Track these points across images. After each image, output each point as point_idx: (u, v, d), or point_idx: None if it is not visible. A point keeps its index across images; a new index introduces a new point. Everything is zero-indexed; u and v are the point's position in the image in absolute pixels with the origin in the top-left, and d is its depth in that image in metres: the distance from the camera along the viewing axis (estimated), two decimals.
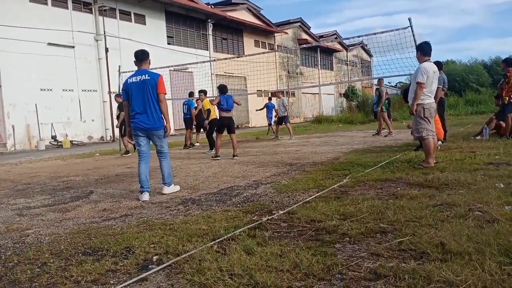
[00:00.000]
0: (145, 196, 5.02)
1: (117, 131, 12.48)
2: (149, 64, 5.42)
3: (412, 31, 8.89)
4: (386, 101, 13.57)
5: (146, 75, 5.10)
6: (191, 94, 14.08)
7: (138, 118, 5.11)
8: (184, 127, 14.60)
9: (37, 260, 2.98)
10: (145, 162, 5.21)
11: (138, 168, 5.20)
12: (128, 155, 11.47)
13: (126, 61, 18.61)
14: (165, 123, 5.22)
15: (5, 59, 16.38)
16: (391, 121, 14.03)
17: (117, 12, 21.12)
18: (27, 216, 4.52)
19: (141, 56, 5.25)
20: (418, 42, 7.61)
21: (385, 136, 12.67)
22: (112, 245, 3.18)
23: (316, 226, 3.37)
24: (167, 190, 5.33)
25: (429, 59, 6.13)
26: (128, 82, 5.16)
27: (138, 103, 5.09)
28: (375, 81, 16.32)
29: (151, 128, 5.13)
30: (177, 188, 5.49)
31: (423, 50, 6.14)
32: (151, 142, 5.32)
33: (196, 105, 13.11)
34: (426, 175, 5.18)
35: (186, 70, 22.81)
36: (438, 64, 7.39)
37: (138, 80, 5.09)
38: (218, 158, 9.08)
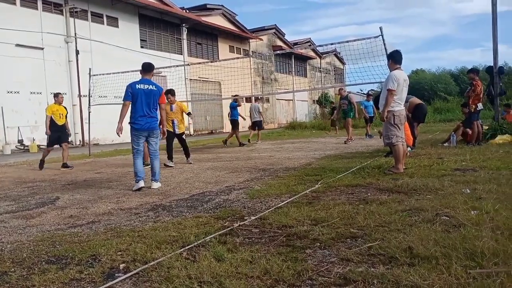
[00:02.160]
0: (142, 183, 5.93)
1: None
2: (152, 75, 6.36)
3: (383, 39, 9.09)
4: (352, 108, 13.88)
5: (153, 86, 6.12)
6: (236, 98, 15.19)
7: (143, 120, 5.97)
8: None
9: None
10: (140, 158, 6.08)
11: (135, 162, 6.00)
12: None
13: (97, 64, 18.31)
14: (162, 128, 6.35)
15: None
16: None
17: (89, 14, 20.67)
18: None
19: (148, 68, 6.26)
20: (389, 51, 7.79)
21: (345, 142, 12.87)
22: (77, 253, 3.07)
23: (287, 231, 3.36)
24: (156, 185, 6.06)
25: (400, 67, 6.26)
26: (136, 87, 5.98)
27: (144, 108, 5.96)
28: (347, 88, 16.71)
29: (154, 128, 6.09)
30: (160, 184, 6.17)
31: (394, 58, 6.28)
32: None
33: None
34: (396, 181, 5.27)
35: (160, 74, 22.55)
36: None
37: (146, 88, 6.01)
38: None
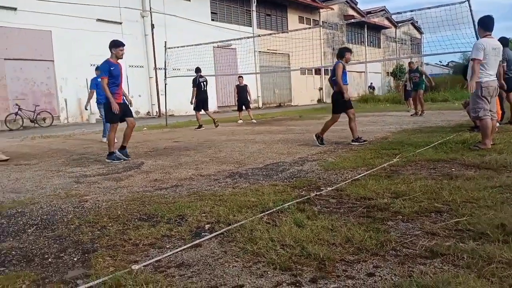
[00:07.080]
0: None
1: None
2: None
3: (469, 5, 8.36)
4: (423, 80, 13.22)
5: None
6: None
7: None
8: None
9: (96, 224, 3.14)
10: None
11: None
12: (202, 129, 11.53)
13: (172, 37, 18.89)
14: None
15: (57, 34, 17.04)
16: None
17: None
18: (84, 183, 4.76)
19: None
20: (475, 18, 7.16)
21: (412, 115, 12.66)
22: (166, 212, 3.30)
23: (366, 203, 3.32)
24: (105, 139, 8.03)
25: (490, 35, 5.73)
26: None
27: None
28: (424, 59, 15.76)
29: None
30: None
31: (485, 24, 5.73)
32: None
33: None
34: (483, 157, 4.94)
35: (229, 47, 22.79)
36: (503, 40, 6.92)
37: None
38: None
